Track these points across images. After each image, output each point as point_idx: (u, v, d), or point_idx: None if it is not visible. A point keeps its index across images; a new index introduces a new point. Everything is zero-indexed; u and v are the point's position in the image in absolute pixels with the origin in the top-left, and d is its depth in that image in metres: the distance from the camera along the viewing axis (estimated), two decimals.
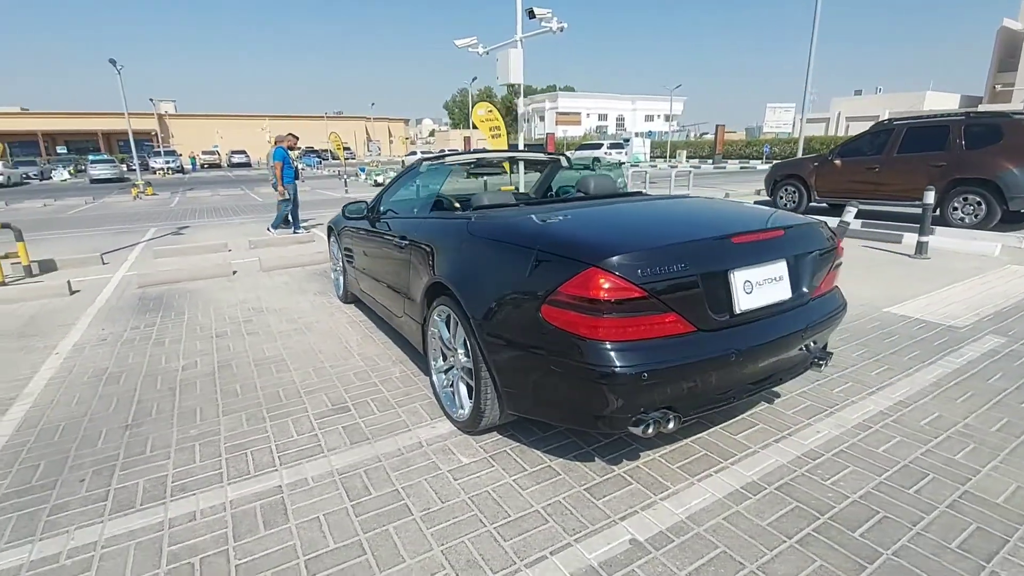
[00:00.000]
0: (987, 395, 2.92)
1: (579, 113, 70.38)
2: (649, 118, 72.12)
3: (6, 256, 6.67)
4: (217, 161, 49.97)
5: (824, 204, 9.83)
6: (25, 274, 6.70)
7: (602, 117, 72.07)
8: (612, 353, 1.93)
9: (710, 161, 35.13)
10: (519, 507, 2.13)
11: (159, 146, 45.26)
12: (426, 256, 2.86)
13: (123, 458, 2.58)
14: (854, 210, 6.14)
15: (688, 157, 37.03)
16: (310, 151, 45.23)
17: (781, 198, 10.38)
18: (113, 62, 21.46)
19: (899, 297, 4.75)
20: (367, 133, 67.96)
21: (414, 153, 41.02)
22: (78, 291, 5.96)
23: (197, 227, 11.24)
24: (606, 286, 1.89)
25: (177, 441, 2.72)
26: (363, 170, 28.98)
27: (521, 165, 5.28)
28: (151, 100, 38.91)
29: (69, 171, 34.58)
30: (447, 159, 3.90)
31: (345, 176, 22.36)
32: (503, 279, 2.27)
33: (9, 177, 28.35)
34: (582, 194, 3.44)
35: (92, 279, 6.54)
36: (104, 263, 7.54)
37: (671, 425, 2.04)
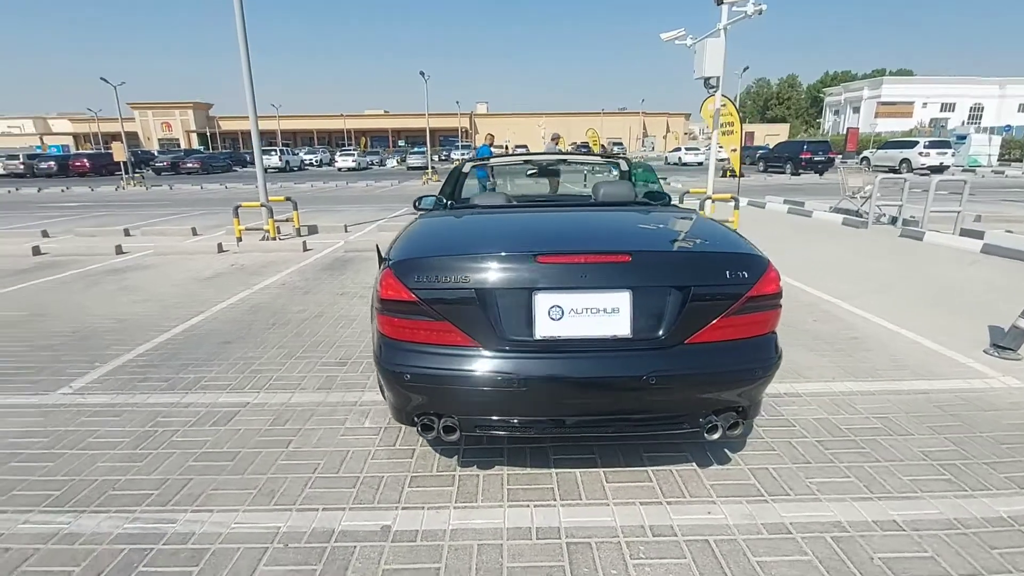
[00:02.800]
0: None
1: (911, 103, 57.02)
2: None
3: (287, 220, 9.50)
4: (504, 154, 57.21)
5: None
6: (295, 234, 9.42)
7: (947, 107, 56.91)
8: (389, 350, 2.05)
9: None
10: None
11: (464, 141, 54.67)
12: None
13: (210, 355, 3.79)
14: None
15: None
16: (583, 146, 48.05)
17: None
18: (423, 73, 27.06)
19: None
20: (644, 128, 68.45)
21: (678, 149, 39.70)
22: (310, 249, 8.16)
23: None
24: (387, 286, 2.02)
25: (243, 354, 3.81)
26: None
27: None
28: (457, 103, 47.20)
29: (397, 160, 44.78)
30: (490, 160, 4.16)
31: None
32: None
33: (359, 163, 38.37)
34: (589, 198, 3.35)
35: (326, 242, 8.80)
36: (346, 232, 9.97)
37: (453, 436, 2.05)
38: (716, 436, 2.05)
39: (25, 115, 72.97)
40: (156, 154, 41.10)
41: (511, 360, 1.96)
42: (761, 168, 28.13)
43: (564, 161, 4.25)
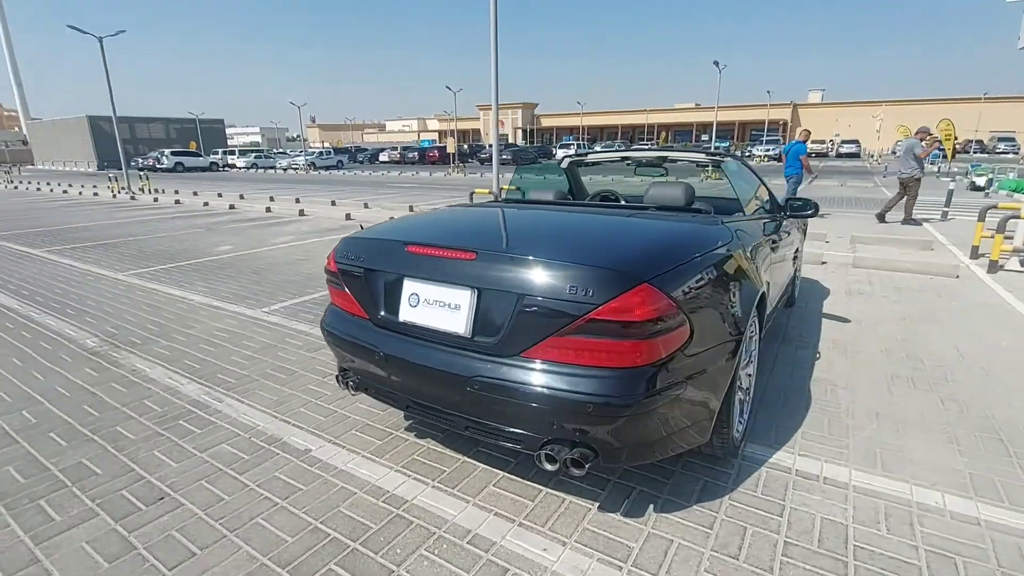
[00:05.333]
0: None
1: None
2: None
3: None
4: (825, 151, 48.95)
5: None
6: None
7: None
8: (327, 311, 2.46)
9: None
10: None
11: (770, 135, 48.91)
12: None
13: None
14: None
15: None
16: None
17: None
18: (716, 63, 25.27)
19: None
20: None
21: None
22: None
23: None
24: (329, 258, 2.43)
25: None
26: (975, 168, 22.32)
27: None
28: (768, 92, 42.16)
29: None
30: (589, 156, 3.99)
31: (945, 174, 18.16)
32: None
33: None
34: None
35: None
36: None
37: (359, 392, 2.35)
38: (551, 468, 1.80)
39: (413, 116, 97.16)
40: (487, 147, 49.77)
41: (380, 335, 2.14)
42: None
43: (648, 161, 3.79)
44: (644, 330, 1.67)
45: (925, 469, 2.34)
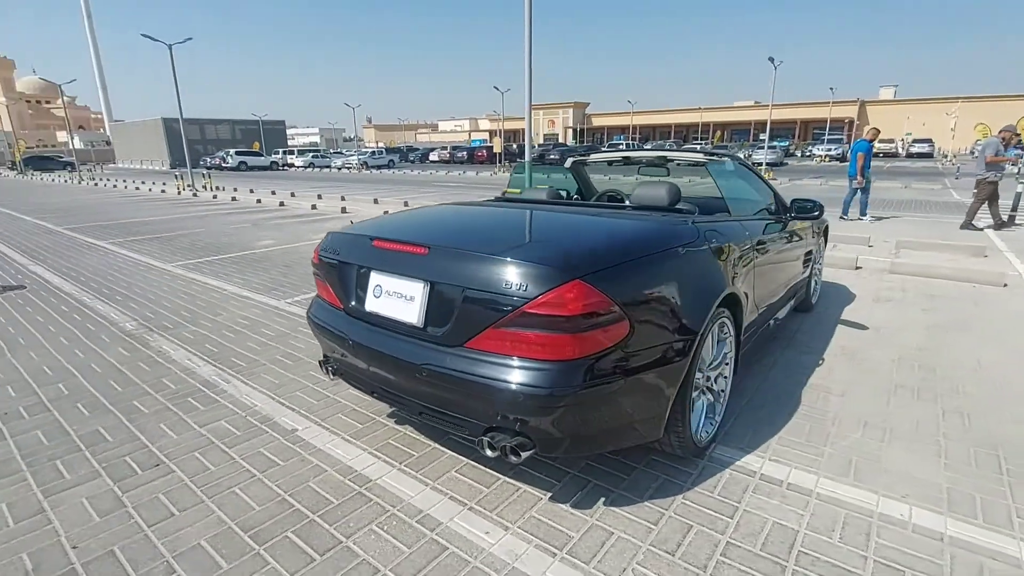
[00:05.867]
0: None
1: None
2: None
3: None
4: (894, 150, 45.97)
5: None
6: None
7: None
8: (313, 301, 2.64)
9: None
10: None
11: (847, 134, 46.41)
12: None
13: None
14: None
15: None
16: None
17: None
18: (771, 59, 24.25)
19: None
20: None
21: None
22: None
23: None
24: (315, 251, 2.59)
25: None
26: None
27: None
28: (831, 89, 39.98)
29: (742, 156, 41.69)
30: (591, 156, 4.00)
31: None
32: None
33: None
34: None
35: None
36: None
37: (333, 377, 2.50)
38: (492, 454, 1.88)
39: (465, 117, 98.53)
40: (536, 147, 49.94)
41: (351, 324, 2.28)
42: None
43: (643, 161, 3.76)
44: (576, 324, 1.73)
45: (900, 481, 2.25)
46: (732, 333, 2.55)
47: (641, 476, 2.30)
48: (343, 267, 2.33)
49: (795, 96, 68.66)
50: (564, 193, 3.97)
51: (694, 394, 2.25)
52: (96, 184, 24.38)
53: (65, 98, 36.99)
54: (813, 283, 4.57)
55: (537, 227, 2.37)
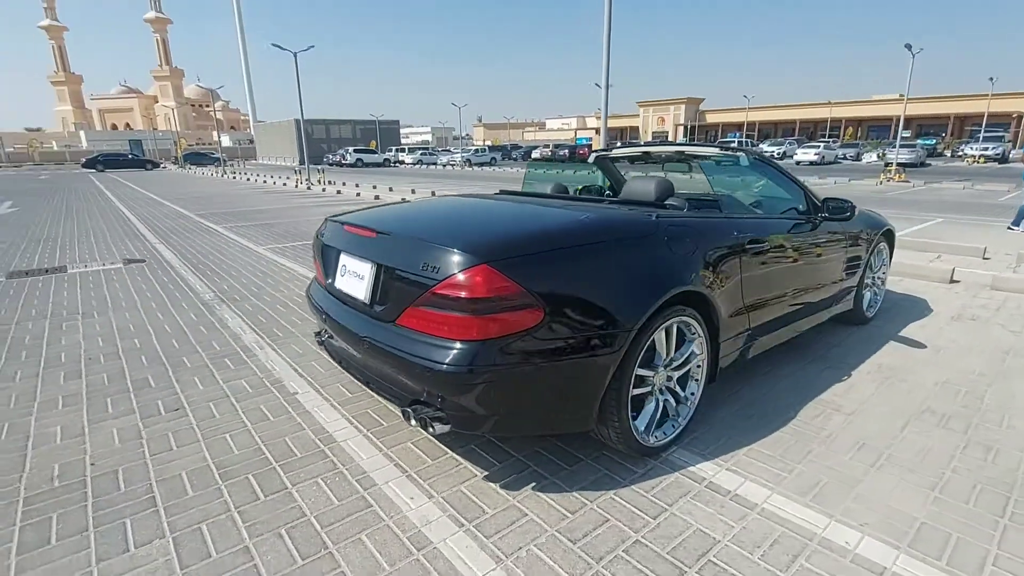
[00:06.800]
0: None
1: None
2: None
3: None
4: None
5: None
6: None
7: None
8: (311, 280, 2.94)
9: None
10: None
11: (1015, 130, 39.96)
12: None
13: None
14: None
15: None
16: None
17: None
18: (909, 47, 21.39)
19: None
20: None
21: None
22: None
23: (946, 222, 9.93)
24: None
25: None
26: None
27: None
28: (991, 79, 34.36)
29: (877, 155, 37.31)
30: (612, 151, 3.93)
31: None
32: None
33: (823, 157, 34.15)
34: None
35: None
36: None
37: (320, 347, 2.79)
38: (413, 424, 2.02)
39: (573, 115, 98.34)
40: (640, 144, 48.74)
41: (327, 299, 2.53)
42: None
43: (664, 157, 3.58)
44: (480, 306, 1.81)
45: (868, 509, 2.05)
46: (703, 335, 2.44)
47: (584, 468, 2.31)
48: (326, 249, 2.59)
49: (949, 88, 60.05)
50: (585, 188, 3.98)
51: (638, 392, 2.22)
52: (234, 177, 27.86)
53: (220, 102, 42.52)
54: (870, 294, 4.13)
55: (484, 217, 2.46)
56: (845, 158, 38.19)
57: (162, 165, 43.75)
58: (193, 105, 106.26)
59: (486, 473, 2.28)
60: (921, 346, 3.71)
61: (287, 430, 2.63)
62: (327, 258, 2.58)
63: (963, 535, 1.91)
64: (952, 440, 2.52)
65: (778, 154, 42.69)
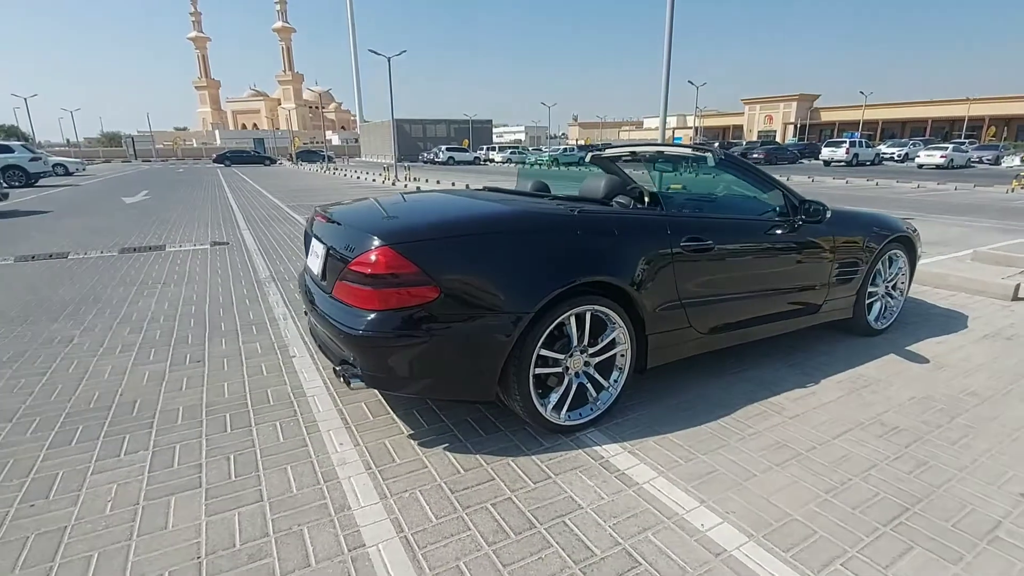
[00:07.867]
0: None
1: None
2: None
3: None
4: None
5: None
6: None
7: None
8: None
9: None
10: None
11: None
12: None
13: None
14: None
15: None
16: None
17: None
18: None
19: None
20: None
21: None
22: None
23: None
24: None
25: None
26: None
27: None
28: None
29: (1022, 158, 32.48)
30: (605, 152, 4.05)
31: None
32: None
33: (951, 161, 30.34)
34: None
35: None
36: None
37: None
38: (337, 379, 2.39)
39: (674, 113, 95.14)
40: (744, 144, 46.28)
41: (306, 278, 2.99)
42: None
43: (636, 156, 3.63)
44: (379, 281, 2.14)
45: (744, 501, 2.11)
46: (624, 326, 2.58)
47: (497, 438, 2.56)
48: (307, 234, 3.05)
49: None
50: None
51: (546, 371, 2.43)
52: (334, 173, 30.35)
53: (333, 104, 46.41)
54: (880, 304, 3.92)
55: (424, 209, 2.77)
56: (980, 161, 33.71)
57: (279, 161, 48.59)
58: (310, 106, 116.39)
59: (412, 432, 2.61)
60: (923, 361, 3.49)
61: (272, 383, 3.13)
62: (308, 241, 3.04)
63: (830, 536, 1.93)
64: (885, 452, 2.45)
65: (898, 156, 38.52)
